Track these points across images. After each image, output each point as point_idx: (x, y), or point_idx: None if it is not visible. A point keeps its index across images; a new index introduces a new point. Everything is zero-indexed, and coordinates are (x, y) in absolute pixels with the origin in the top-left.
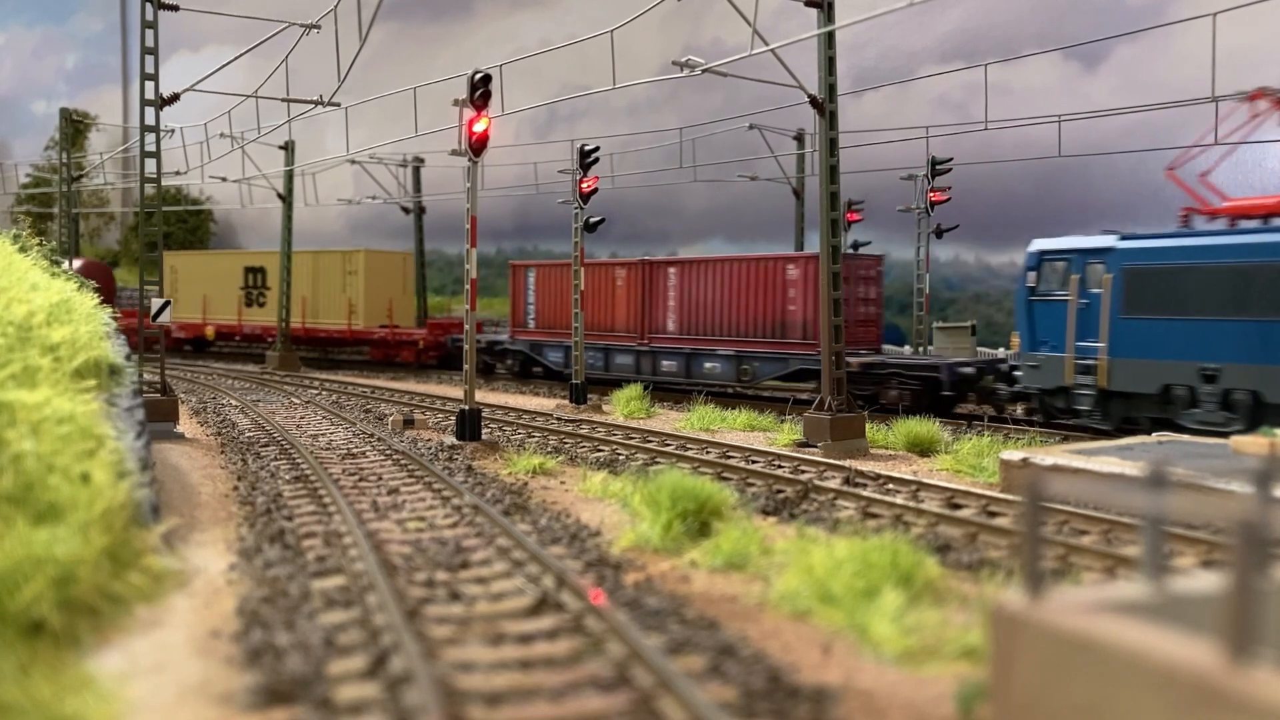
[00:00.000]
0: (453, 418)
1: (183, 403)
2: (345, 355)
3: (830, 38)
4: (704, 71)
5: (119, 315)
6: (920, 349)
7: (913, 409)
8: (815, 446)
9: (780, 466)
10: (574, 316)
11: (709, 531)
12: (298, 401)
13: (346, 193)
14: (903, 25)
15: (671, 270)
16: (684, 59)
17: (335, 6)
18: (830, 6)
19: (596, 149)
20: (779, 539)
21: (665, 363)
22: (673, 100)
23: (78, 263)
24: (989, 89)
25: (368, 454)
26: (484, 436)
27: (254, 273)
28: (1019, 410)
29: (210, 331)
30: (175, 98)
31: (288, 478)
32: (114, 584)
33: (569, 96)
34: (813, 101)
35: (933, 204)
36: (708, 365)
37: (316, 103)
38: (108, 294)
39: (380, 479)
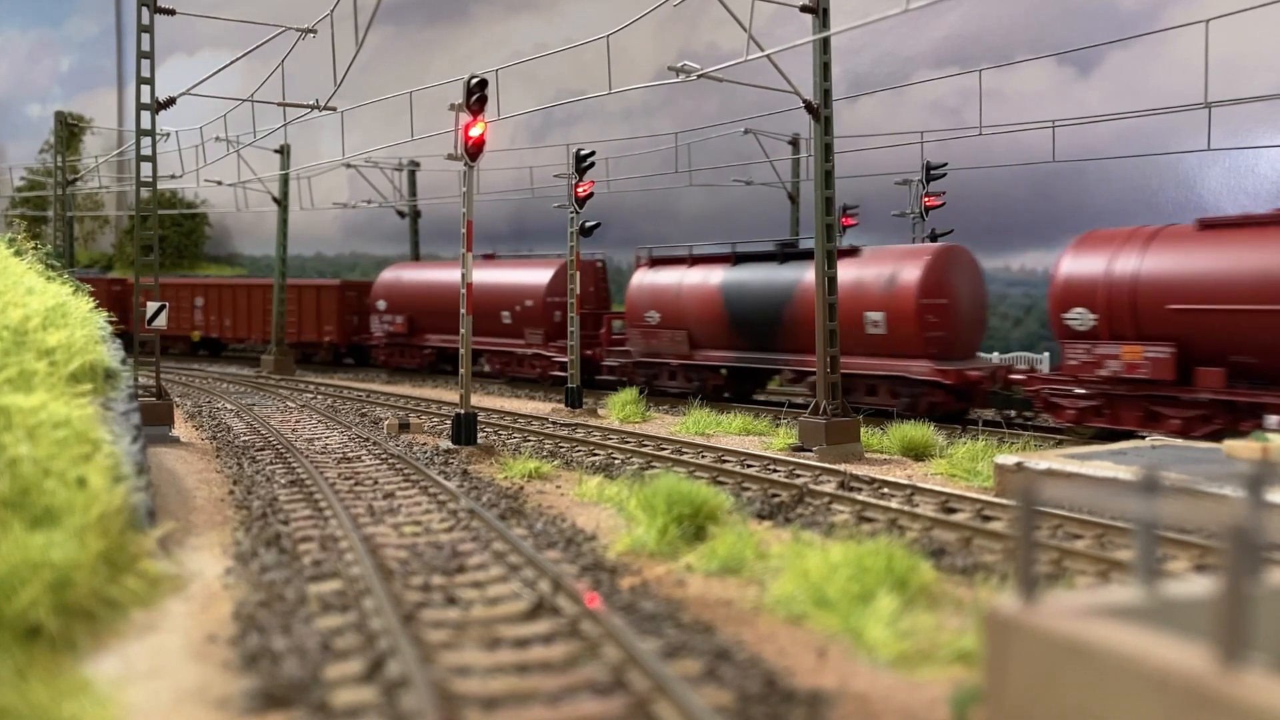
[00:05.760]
0: (448, 422)
1: (178, 406)
2: None
3: (825, 43)
4: (699, 77)
5: None
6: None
7: None
8: (810, 451)
9: (775, 471)
10: (570, 320)
11: (704, 535)
12: (293, 405)
13: (342, 196)
14: (897, 31)
15: None
16: (679, 64)
17: (331, 11)
18: (825, 12)
19: (592, 153)
20: (774, 543)
21: None
22: (668, 105)
23: (548, 270)
24: (983, 94)
25: (363, 458)
26: (479, 441)
27: None
28: None
29: None
30: (171, 102)
31: (283, 482)
32: (110, 588)
33: (565, 101)
34: (808, 107)
35: (927, 209)
36: None
37: (313, 107)
38: (601, 297)
39: (376, 483)
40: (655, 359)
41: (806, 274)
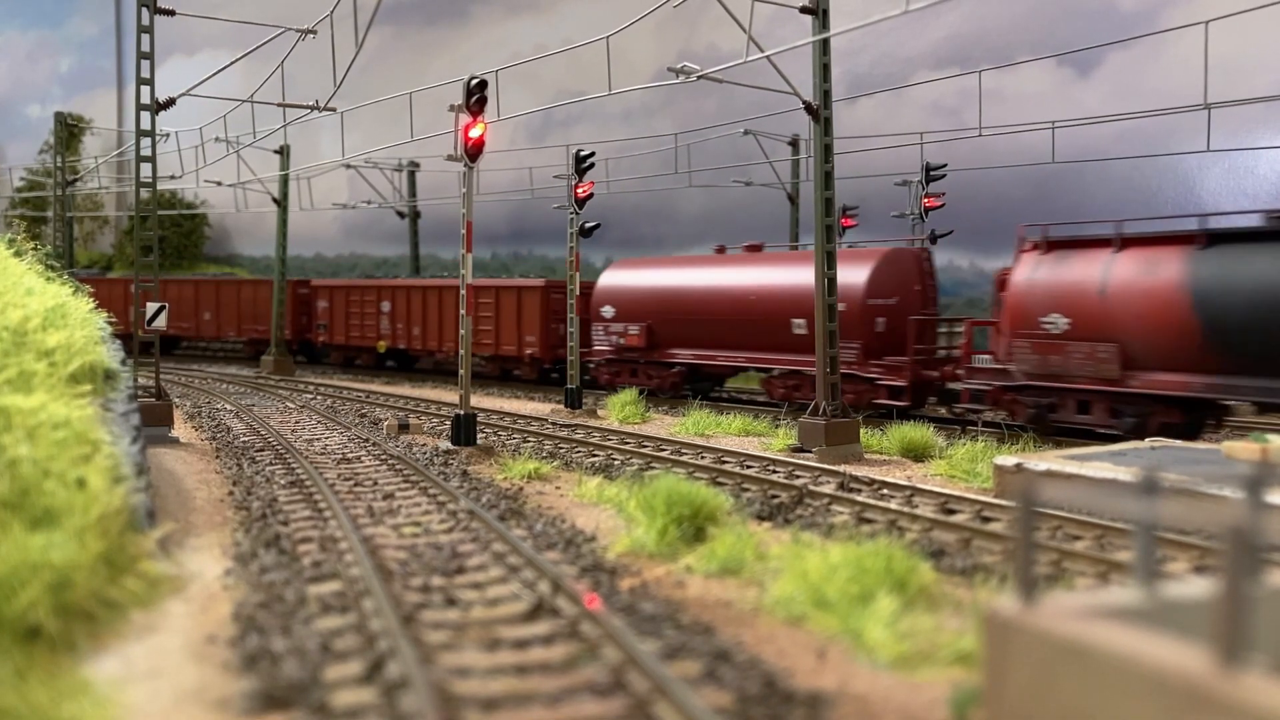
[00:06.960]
0: (448, 422)
1: (177, 407)
2: None
3: (825, 44)
4: (699, 78)
5: None
6: None
7: None
8: (810, 452)
9: (775, 471)
10: (569, 321)
11: (704, 536)
12: (292, 406)
13: (341, 197)
14: (897, 32)
15: None
16: (679, 66)
17: (331, 11)
18: (825, 13)
19: (592, 154)
20: (774, 544)
21: None
22: (668, 106)
23: (866, 264)
24: (983, 95)
25: (363, 459)
26: (479, 441)
27: None
28: None
29: None
30: (170, 102)
31: (283, 483)
32: (110, 589)
33: (565, 102)
34: (808, 108)
35: (927, 209)
36: None
37: (312, 108)
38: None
39: (376, 484)
40: (1056, 382)
41: None
